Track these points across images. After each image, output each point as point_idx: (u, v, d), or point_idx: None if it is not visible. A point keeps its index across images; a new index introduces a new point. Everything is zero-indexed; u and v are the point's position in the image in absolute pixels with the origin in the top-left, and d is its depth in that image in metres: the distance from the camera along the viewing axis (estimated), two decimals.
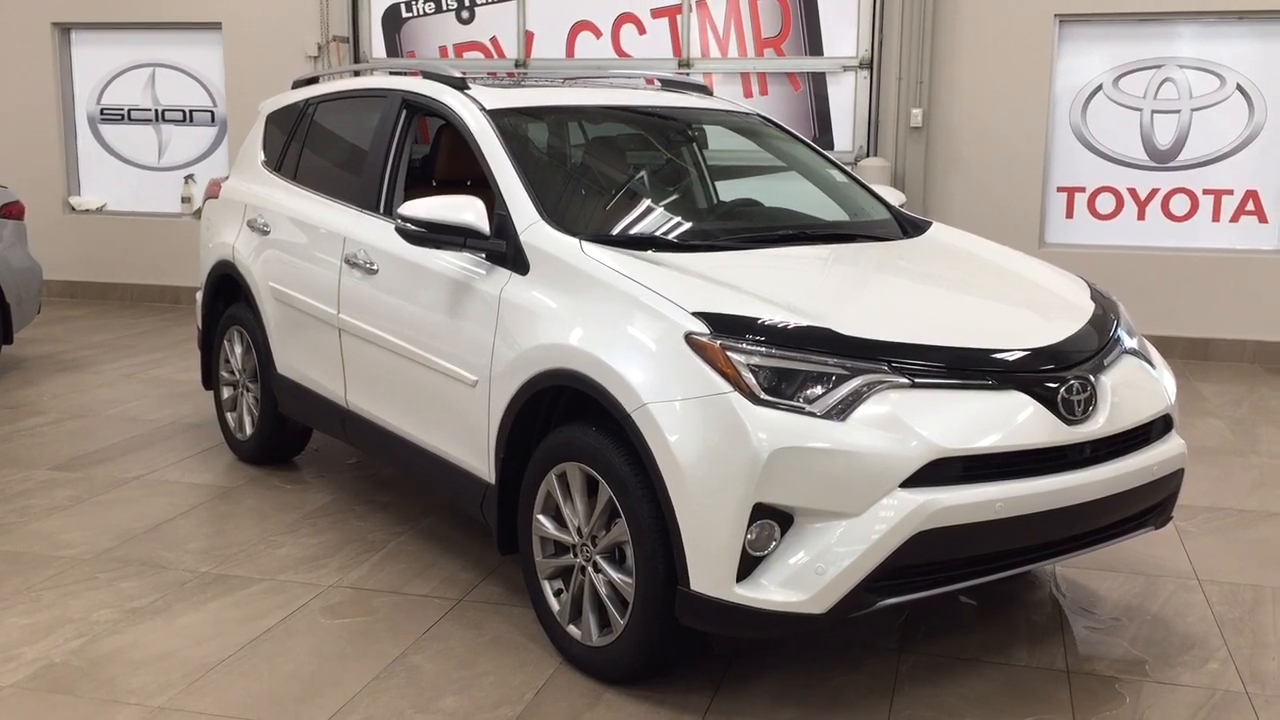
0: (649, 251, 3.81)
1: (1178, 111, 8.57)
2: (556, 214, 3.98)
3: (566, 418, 3.73)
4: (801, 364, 3.22)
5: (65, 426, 6.44)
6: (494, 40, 9.53)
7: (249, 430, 5.70)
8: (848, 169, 4.97)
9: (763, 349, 3.23)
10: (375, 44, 9.78)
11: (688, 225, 4.31)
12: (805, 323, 3.33)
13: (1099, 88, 8.68)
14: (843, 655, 3.80)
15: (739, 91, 9.13)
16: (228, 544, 4.72)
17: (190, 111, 10.46)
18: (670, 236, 4.08)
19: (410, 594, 4.25)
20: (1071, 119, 8.75)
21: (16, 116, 10.60)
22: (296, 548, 4.69)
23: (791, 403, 3.17)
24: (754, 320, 3.32)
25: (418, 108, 4.77)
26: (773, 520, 3.16)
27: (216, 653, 3.77)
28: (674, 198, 4.69)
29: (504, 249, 3.95)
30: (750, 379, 3.18)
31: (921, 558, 3.19)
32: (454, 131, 4.56)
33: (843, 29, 8.91)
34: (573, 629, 3.68)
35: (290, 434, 5.61)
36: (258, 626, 3.97)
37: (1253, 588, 4.39)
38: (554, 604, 3.75)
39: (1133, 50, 8.58)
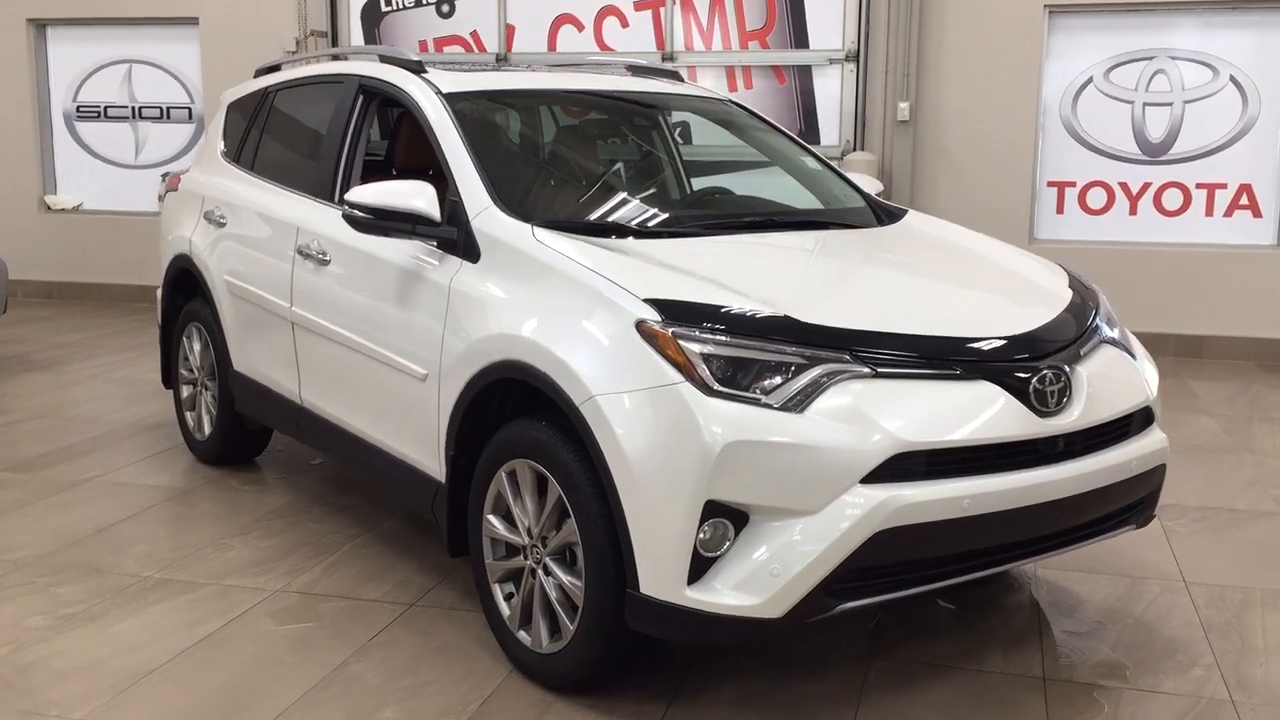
0: (607, 238, 3.63)
1: (1170, 104, 8.39)
2: (510, 200, 3.80)
3: (518, 413, 3.54)
4: (758, 353, 3.04)
5: (24, 427, 6.26)
6: (474, 34, 9.35)
7: (208, 430, 5.52)
8: (821, 155, 4.78)
9: (717, 337, 3.05)
10: (354, 39, 9.60)
11: (651, 211, 4.14)
12: (763, 310, 3.15)
13: (1090, 80, 8.49)
14: (809, 661, 3.62)
15: (723, 85, 8.94)
16: (175, 547, 4.53)
17: (167, 108, 10.29)
18: (631, 222, 3.90)
19: (360, 599, 4.06)
20: (1062, 112, 8.57)
21: None
22: (247, 551, 4.51)
23: (747, 394, 2.99)
24: (709, 307, 3.14)
25: (374, 93, 4.58)
26: (726, 519, 2.98)
27: (148, 661, 3.58)
28: (638, 183, 4.52)
29: (455, 236, 3.77)
30: (703, 369, 3.00)
31: (885, 558, 3.00)
32: (414, 118, 4.38)
33: (828, 21, 8.72)
34: (523, 635, 3.49)
35: (249, 434, 5.42)
36: (195, 634, 3.79)
37: (1241, 590, 4.20)
38: (504, 608, 3.57)
39: (1124, 42, 8.40)
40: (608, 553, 3.11)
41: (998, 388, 3.12)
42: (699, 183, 4.82)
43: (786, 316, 3.12)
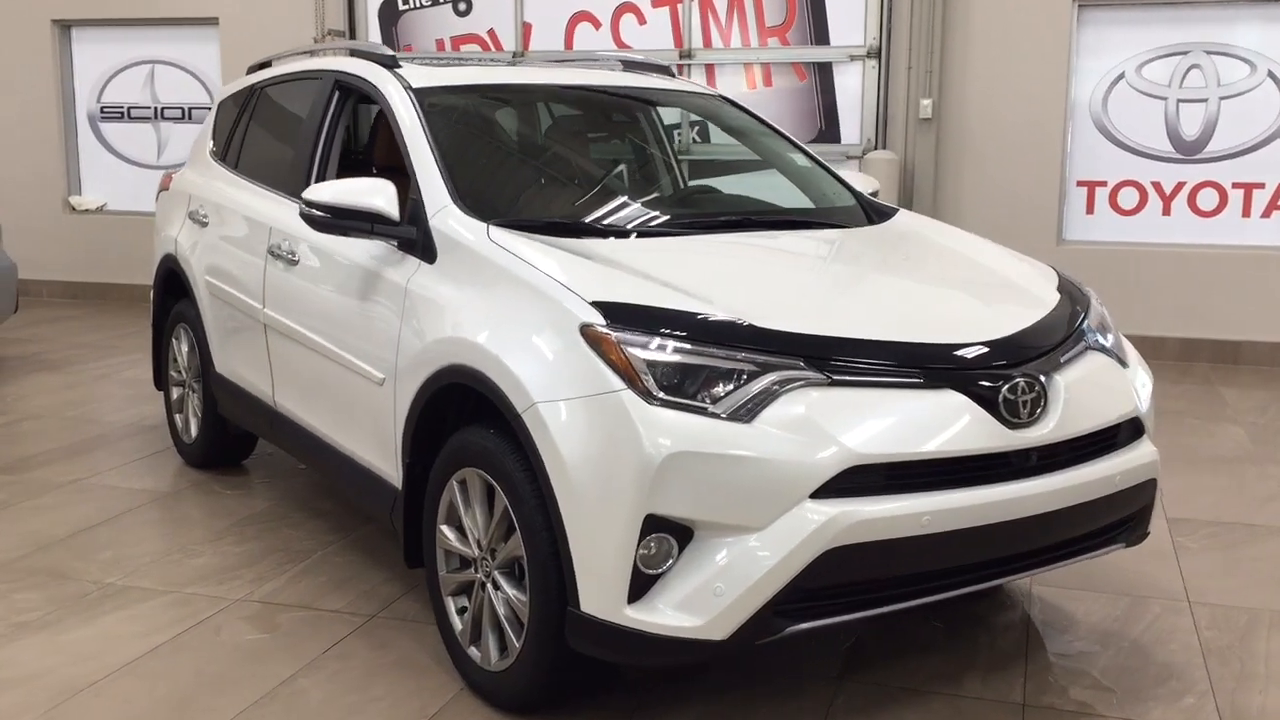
0: (569, 238, 3.47)
1: (1205, 100, 8.08)
2: (471, 198, 3.66)
3: (471, 420, 3.40)
4: (706, 359, 2.87)
5: (20, 427, 6.21)
6: (491, 32, 9.24)
7: (194, 433, 5.43)
8: (812, 153, 4.59)
9: (663, 342, 2.88)
10: (372, 37, 9.52)
11: (621, 210, 3.96)
12: (716, 314, 2.98)
13: (1121, 76, 8.21)
14: (775, 683, 3.43)
15: (742, 83, 8.76)
16: (145, 553, 4.44)
17: (189, 109, 10.27)
18: (597, 222, 3.74)
19: (321, 609, 3.94)
20: (1092, 109, 8.29)
21: (17, 115, 10.47)
22: (216, 557, 4.40)
23: (693, 402, 2.82)
24: (657, 311, 2.98)
25: (349, 89, 4.46)
26: (669, 535, 2.81)
27: (93, 673, 3.48)
28: (613, 181, 4.35)
29: (414, 236, 3.63)
30: (647, 375, 2.83)
31: (837, 578, 2.82)
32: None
33: (850, 16, 8.51)
34: (473, 651, 3.34)
35: (234, 437, 5.32)
36: (147, 643, 3.68)
37: (1248, 611, 3.96)
38: (457, 623, 3.42)
39: (1157, 36, 8.10)
40: (550, 568, 2.96)
41: (964, 397, 2.93)
42: (688, 178, 4.65)
43: (739, 321, 2.95)
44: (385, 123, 4.70)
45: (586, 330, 2.94)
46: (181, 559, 4.39)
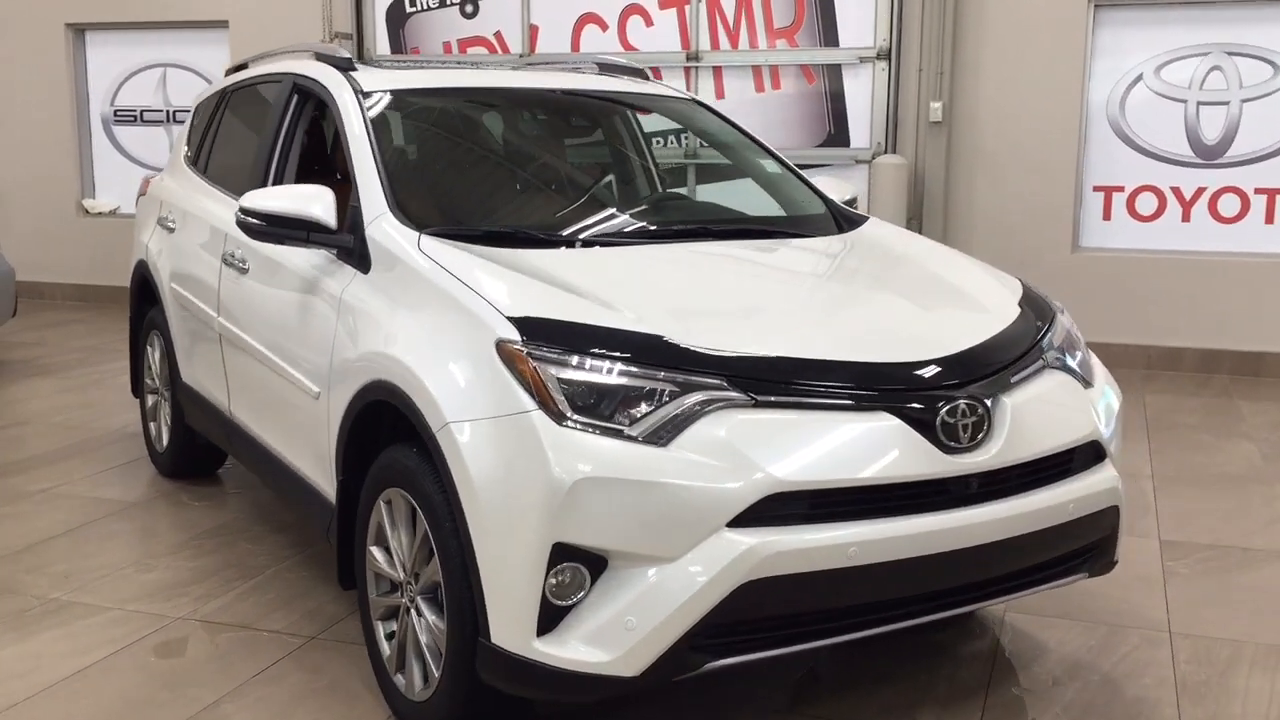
0: (504, 249, 3.32)
1: (1226, 103, 7.81)
2: (409, 206, 3.53)
3: (399, 438, 3.26)
4: (623, 378, 2.71)
5: (1, 435, 6.16)
6: (498, 35, 9.13)
7: (165, 442, 5.35)
8: (784, 158, 4.42)
9: (578, 359, 2.73)
10: (380, 40, 9.45)
11: (569, 219, 3.82)
12: (638, 330, 2.82)
13: (1139, 78, 7.95)
14: (720, 713, 3.27)
15: (750, 85, 8.58)
16: (97, 566, 4.34)
17: None
18: (539, 232, 3.58)
19: (261, 629, 3.82)
20: (1109, 112, 8.04)
21: (31, 118, 10.50)
22: (169, 572, 4.30)
23: (608, 424, 2.67)
24: (576, 326, 2.83)
25: (307, 93, 4.35)
26: (581, 564, 2.66)
27: (16, 693, 3.38)
28: (566, 189, 4.20)
29: (351, 244, 3.51)
30: (558, 395, 2.69)
31: (758, 611, 2.66)
32: None
33: (859, 18, 8.31)
34: (399, 678, 3.21)
35: (202, 447, 5.22)
36: (77, 663, 3.57)
37: (1232, 644, 3.74)
38: (385, 648, 3.29)
39: (1176, 36, 7.84)
40: (464, 595, 2.82)
41: (898, 420, 2.75)
42: (649, 186, 4.48)
43: (661, 338, 2.80)
44: None
45: (501, 347, 2.79)
46: (133, 574, 4.29)
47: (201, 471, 5.36)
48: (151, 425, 5.52)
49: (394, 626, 3.27)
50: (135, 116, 10.45)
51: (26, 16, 10.38)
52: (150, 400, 5.54)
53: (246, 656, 3.63)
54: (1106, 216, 8.14)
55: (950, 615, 2.98)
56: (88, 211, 10.56)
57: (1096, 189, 8.14)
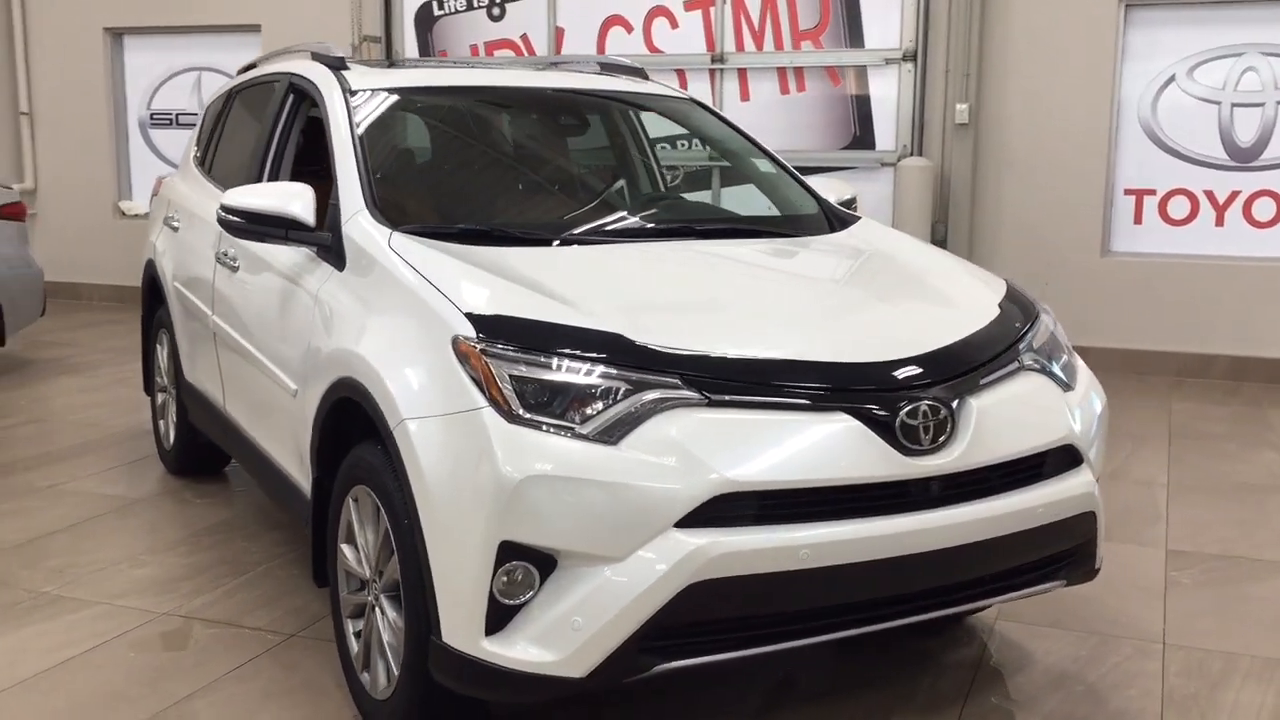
0: (475, 246, 3.30)
1: (1262, 104, 7.63)
2: (387, 204, 3.52)
3: (369, 435, 3.25)
4: (575, 375, 2.68)
5: (18, 431, 6.25)
6: (524, 37, 9.14)
7: (172, 440, 5.39)
8: (779, 158, 4.36)
9: (529, 356, 2.70)
10: (408, 43, 9.50)
11: (548, 217, 3.79)
12: (593, 328, 2.79)
13: (1172, 79, 7.79)
14: (688, 718, 3.23)
15: (775, 87, 8.52)
16: (92, 562, 4.38)
17: None
18: (515, 230, 3.56)
19: (243, 626, 3.83)
20: (1140, 114, 7.89)
21: (70, 121, 10.67)
22: (160, 569, 4.32)
23: (558, 421, 2.64)
24: (530, 323, 2.80)
25: (301, 92, 4.36)
26: (530, 563, 2.63)
27: None
28: (547, 187, 4.17)
29: (329, 242, 3.51)
30: (509, 392, 2.66)
31: (708, 613, 2.62)
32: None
33: (885, 19, 8.22)
34: (365, 676, 3.20)
35: (206, 445, 5.24)
36: (57, 658, 3.60)
37: (1226, 656, 3.63)
38: (354, 645, 3.28)
39: (1210, 37, 7.67)
40: (419, 593, 2.80)
41: (856, 421, 2.69)
42: (646, 185, 4.45)
43: (616, 335, 2.76)
44: None
45: (457, 343, 2.77)
46: (127, 569, 4.32)
47: (207, 469, 5.40)
48: (160, 423, 5.57)
49: (361, 624, 3.26)
50: (171, 120, 10.59)
51: (66, 22, 10.55)
52: (160, 398, 5.58)
53: (224, 653, 3.64)
54: (1138, 220, 7.99)
55: (917, 621, 2.91)
56: (124, 213, 10.71)
57: (1128, 192, 7.99)
